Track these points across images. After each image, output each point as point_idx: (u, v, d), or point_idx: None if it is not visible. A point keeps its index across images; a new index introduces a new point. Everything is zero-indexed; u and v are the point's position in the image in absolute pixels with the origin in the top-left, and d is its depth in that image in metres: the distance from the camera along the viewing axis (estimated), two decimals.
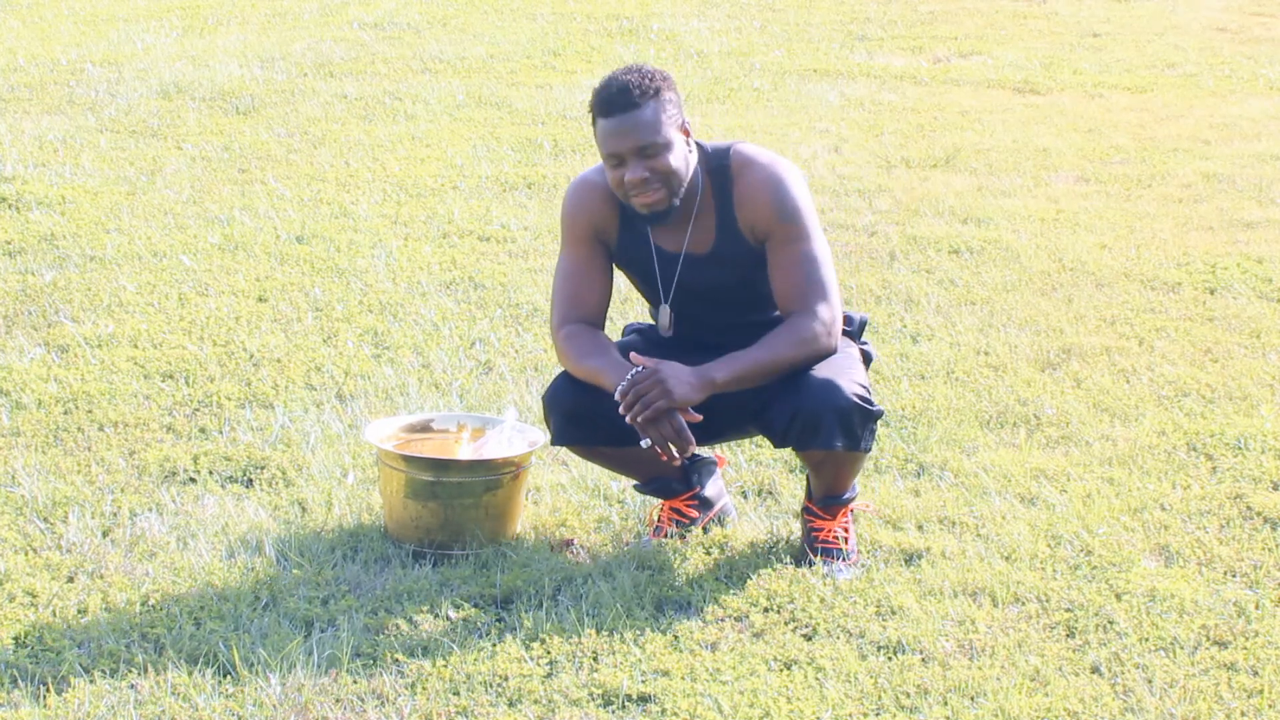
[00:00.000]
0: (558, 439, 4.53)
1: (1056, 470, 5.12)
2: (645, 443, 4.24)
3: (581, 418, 4.46)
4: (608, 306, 4.54)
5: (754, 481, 5.04)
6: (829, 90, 11.08)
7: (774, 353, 4.30)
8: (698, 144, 4.46)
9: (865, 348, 4.62)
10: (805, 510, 4.57)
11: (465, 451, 4.79)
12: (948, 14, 14.34)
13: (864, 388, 4.38)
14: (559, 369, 4.52)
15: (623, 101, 4.29)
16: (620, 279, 4.68)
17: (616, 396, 4.26)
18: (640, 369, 4.23)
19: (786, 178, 4.39)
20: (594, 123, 4.36)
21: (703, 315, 4.51)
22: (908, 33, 13.43)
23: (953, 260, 7.35)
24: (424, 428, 4.87)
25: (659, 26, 13.46)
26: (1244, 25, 14.01)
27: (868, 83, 11.45)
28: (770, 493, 4.98)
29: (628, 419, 4.23)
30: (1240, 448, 5.29)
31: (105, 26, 13.19)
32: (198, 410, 5.54)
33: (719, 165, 4.43)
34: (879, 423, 4.50)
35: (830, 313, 4.35)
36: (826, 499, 4.53)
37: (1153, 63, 12.35)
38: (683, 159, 4.34)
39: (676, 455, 4.26)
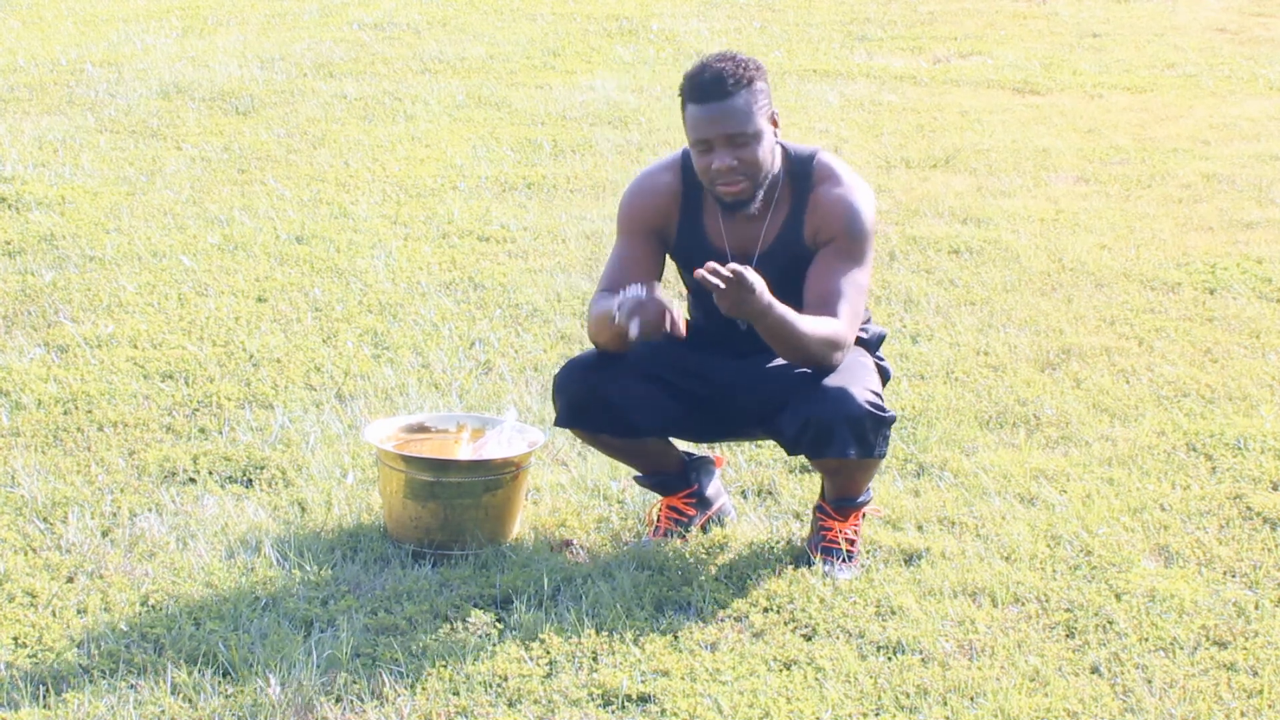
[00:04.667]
0: (561, 421, 4.54)
1: (1056, 470, 5.12)
2: (634, 332, 4.13)
3: (586, 406, 4.46)
4: None
5: (754, 481, 5.04)
6: (829, 90, 11.08)
7: (806, 332, 4.26)
8: (780, 143, 4.45)
9: (882, 363, 4.61)
10: (818, 509, 4.57)
11: (465, 452, 4.79)
12: (947, 14, 14.33)
13: (876, 394, 4.36)
14: (565, 360, 4.51)
15: (716, 89, 4.27)
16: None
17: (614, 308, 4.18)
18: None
19: (864, 205, 4.39)
20: (683, 107, 4.33)
21: None
22: (907, 33, 13.42)
23: (952, 260, 7.35)
24: (423, 428, 4.87)
25: (659, 27, 13.46)
26: (1244, 25, 14.00)
27: (867, 83, 11.44)
28: (770, 493, 4.98)
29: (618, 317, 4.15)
30: (1240, 448, 5.29)
31: (105, 27, 13.19)
32: (197, 410, 5.54)
33: (802, 171, 4.42)
34: (892, 428, 4.48)
35: (848, 336, 4.35)
36: (840, 501, 4.53)
37: (1152, 63, 12.34)
38: (770, 151, 4.34)
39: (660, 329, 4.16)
